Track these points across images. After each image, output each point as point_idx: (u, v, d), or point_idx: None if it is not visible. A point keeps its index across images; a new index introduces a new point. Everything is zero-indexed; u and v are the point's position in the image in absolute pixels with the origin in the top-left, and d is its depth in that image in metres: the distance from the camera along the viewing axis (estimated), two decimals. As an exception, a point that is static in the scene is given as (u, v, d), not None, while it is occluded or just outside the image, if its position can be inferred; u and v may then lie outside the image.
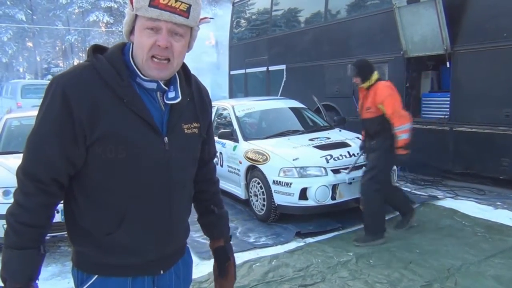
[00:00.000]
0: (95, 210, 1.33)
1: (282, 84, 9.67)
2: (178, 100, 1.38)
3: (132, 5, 1.27)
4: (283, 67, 9.66)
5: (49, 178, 1.28)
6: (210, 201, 1.67)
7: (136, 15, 1.28)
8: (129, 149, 1.29)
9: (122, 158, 1.29)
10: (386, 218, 5.08)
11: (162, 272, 1.45)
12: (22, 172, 1.30)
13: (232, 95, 11.82)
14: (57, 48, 39.66)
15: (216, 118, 6.60)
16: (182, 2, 1.26)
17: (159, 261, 1.43)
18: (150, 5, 1.24)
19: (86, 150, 1.28)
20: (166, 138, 1.35)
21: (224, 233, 1.68)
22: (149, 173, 1.34)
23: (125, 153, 1.29)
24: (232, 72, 11.77)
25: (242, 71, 11.18)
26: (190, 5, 1.28)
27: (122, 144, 1.28)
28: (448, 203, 5.54)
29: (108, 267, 1.37)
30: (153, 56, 1.28)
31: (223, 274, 1.66)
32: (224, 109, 6.46)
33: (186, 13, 1.27)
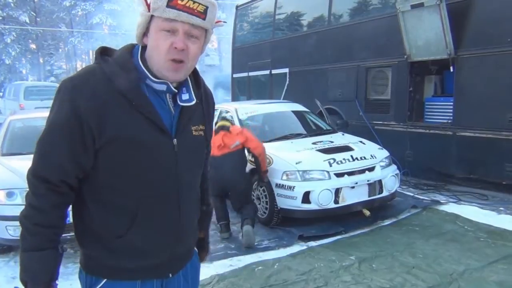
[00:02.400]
0: (105, 212, 1.33)
1: (285, 87, 9.68)
2: (193, 102, 1.39)
3: (148, 6, 1.26)
4: (286, 70, 9.67)
5: (59, 180, 1.29)
6: (201, 195, 1.68)
7: (152, 17, 1.28)
8: (138, 151, 1.29)
9: (131, 160, 1.29)
10: (388, 222, 5.11)
11: (171, 275, 1.45)
12: (33, 175, 1.31)
13: (235, 98, 11.83)
14: (60, 50, 39.80)
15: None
16: (199, 4, 1.26)
17: (168, 264, 1.43)
18: (168, 6, 1.24)
19: (95, 153, 1.28)
20: (175, 140, 1.35)
21: (206, 228, 1.78)
22: (159, 174, 1.34)
23: (135, 155, 1.29)
24: (235, 75, 11.77)
25: (245, 74, 11.19)
26: (207, 7, 1.28)
27: (131, 146, 1.28)
28: (451, 208, 5.51)
29: (117, 271, 1.36)
30: (171, 60, 1.28)
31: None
32: (227, 112, 6.45)
33: (203, 14, 1.28)
